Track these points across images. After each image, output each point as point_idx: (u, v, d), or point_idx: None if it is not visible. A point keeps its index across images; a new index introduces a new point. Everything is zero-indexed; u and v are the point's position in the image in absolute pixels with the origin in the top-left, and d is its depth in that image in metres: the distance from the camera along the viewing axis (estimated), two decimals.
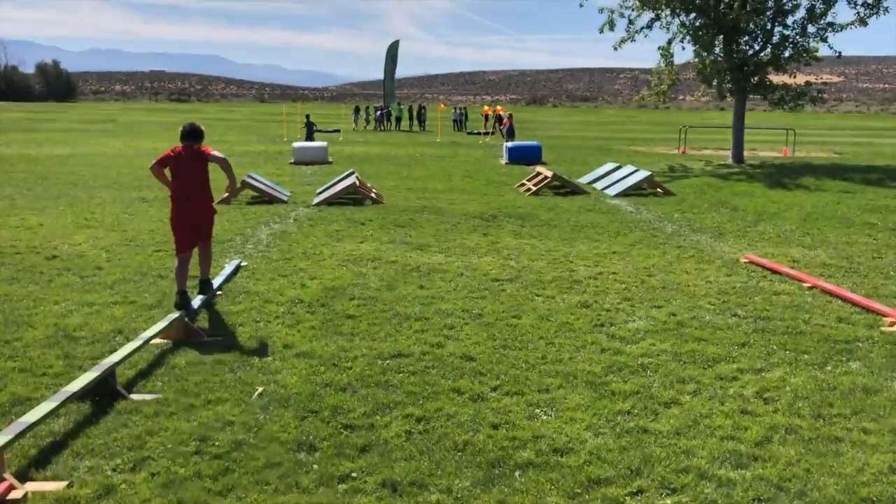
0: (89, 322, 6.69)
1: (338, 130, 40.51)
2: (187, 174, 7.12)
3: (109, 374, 5.08)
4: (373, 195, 14.47)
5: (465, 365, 5.67)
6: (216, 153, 7.34)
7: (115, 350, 5.72)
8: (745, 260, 9.17)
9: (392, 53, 48.03)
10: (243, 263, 9.02)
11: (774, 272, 8.52)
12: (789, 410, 4.82)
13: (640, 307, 7.22)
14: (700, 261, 9.28)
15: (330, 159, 23.49)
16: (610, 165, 18.14)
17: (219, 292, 7.72)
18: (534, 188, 15.70)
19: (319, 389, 5.23)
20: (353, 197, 14.39)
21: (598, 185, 16.70)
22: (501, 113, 41.99)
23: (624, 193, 15.27)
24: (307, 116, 34.68)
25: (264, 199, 14.43)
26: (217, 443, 4.43)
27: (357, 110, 48.22)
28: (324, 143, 24.19)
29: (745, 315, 6.92)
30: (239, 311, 7.13)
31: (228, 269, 8.66)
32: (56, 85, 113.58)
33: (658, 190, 15.65)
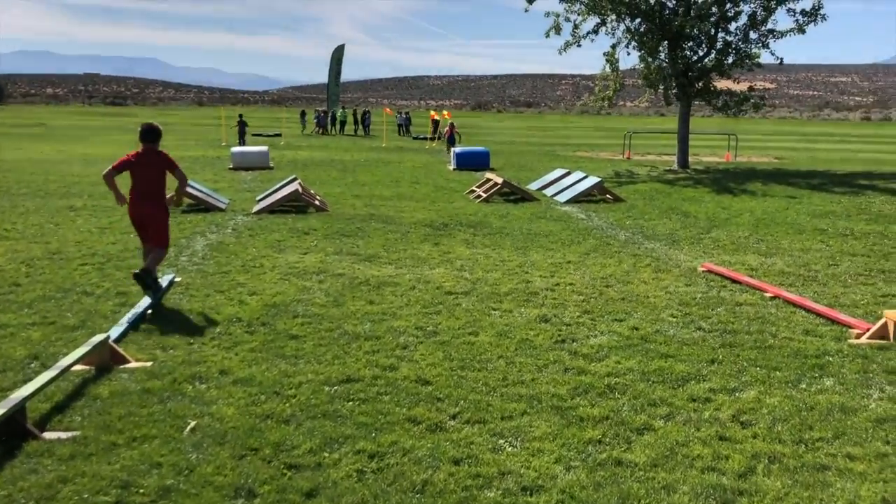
0: (1, 347, 6.03)
1: (279, 134, 39.62)
2: (145, 177, 7.50)
3: (18, 410, 4.48)
4: (317, 202, 13.91)
5: (420, 390, 5.23)
6: (179, 169, 7.77)
7: (30, 379, 5.11)
8: (703, 269, 8.95)
9: (337, 57, 47.33)
10: (177, 279, 8.40)
11: (734, 281, 8.30)
12: (769, 435, 4.51)
13: (601, 321, 6.88)
14: (657, 270, 9.02)
15: (271, 164, 22.79)
16: (559, 171, 17.93)
17: (149, 311, 7.11)
18: (484, 195, 15.36)
19: (259, 422, 4.72)
20: (296, 204, 13.80)
21: (548, 192, 16.46)
22: (448, 118, 41.71)
23: (574, 200, 15.04)
24: (240, 116, 33.84)
25: (200, 206, 13.73)
26: (142, 489, 3.89)
27: (304, 114, 47.37)
28: (264, 148, 23.47)
29: (710, 328, 6.64)
30: (171, 331, 6.54)
31: (161, 284, 8.04)
32: None
33: (608, 196, 15.47)
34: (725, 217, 13.27)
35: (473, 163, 23.10)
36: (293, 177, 16.14)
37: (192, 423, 4.73)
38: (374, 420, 4.73)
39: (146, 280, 7.20)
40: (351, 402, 5.02)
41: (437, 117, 40.99)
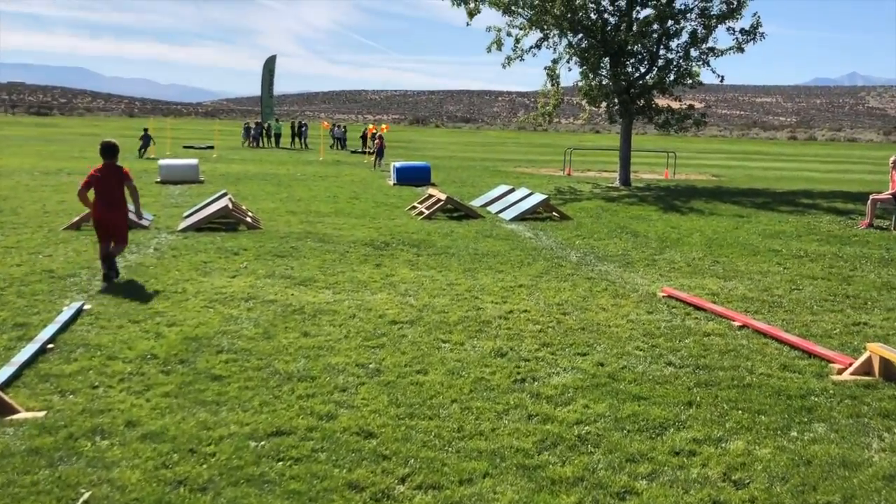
0: None
1: (212, 147, 38.26)
2: (109, 188, 8.75)
3: None
4: (248, 219, 13.00)
5: (363, 445, 4.48)
6: (132, 182, 9.01)
7: None
8: (664, 294, 8.43)
9: (270, 68, 46.17)
10: (86, 306, 7.45)
11: (697, 308, 7.79)
12: (769, 499, 3.91)
13: (563, 355, 6.25)
14: (615, 295, 8.46)
15: (202, 178, 21.68)
16: (503, 188, 17.40)
17: (50, 345, 6.17)
18: (426, 211, 14.67)
19: (170, 491, 3.90)
20: (226, 221, 12.86)
21: (493, 209, 15.88)
22: (386, 131, 40.98)
23: (520, 218, 14.49)
24: (145, 130, 32.45)
25: None
26: None
27: (248, 127, 45.13)
28: (194, 161, 22.33)
29: (681, 363, 6.07)
30: (73, 372, 5.63)
31: (66, 314, 7.08)
32: None
33: (554, 214, 14.98)
34: (676, 237, 12.88)
35: (414, 178, 22.43)
36: (223, 191, 15.17)
37: (86, 495, 3.89)
38: (307, 486, 3.97)
39: (111, 269, 8.57)
40: (281, 463, 4.24)
41: (375, 131, 40.25)
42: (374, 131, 40.15)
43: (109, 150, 8.79)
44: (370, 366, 5.90)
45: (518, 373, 5.78)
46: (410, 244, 11.48)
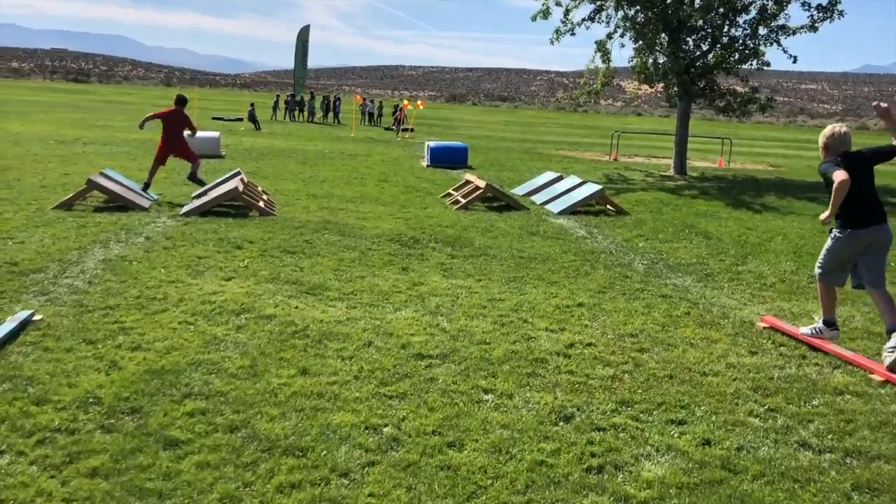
0: None
1: (241, 119, 36.81)
2: (173, 126, 12.73)
3: None
4: (261, 204, 11.42)
5: None
6: (192, 122, 13.05)
7: None
8: (764, 324, 6.65)
9: (303, 39, 44.50)
10: (37, 316, 5.92)
11: (814, 349, 6.02)
12: None
13: (650, 422, 4.55)
14: (702, 323, 6.71)
15: (223, 152, 20.17)
16: (549, 175, 15.56)
17: None
18: (463, 200, 12.97)
19: None
20: (236, 205, 11.31)
21: (537, 199, 14.12)
22: (421, 107, 39.35)
23: (570, 211, 12.71)
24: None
25: (117, 204, 11.17)
26: None
27: (301, 102, 42.59)
28: (215, 134, 20.81)
29: (821, 445, 4.34)
30: None
31: (6, 327, 5.56)
32: None
33: (609, 207, 13.18)
34: (756, 241, 11.01)
35: (450, 159, 20.71)
36: (236, 170, 13.61)
37: None
38: None
39: (201, 183, 12.86)
40: None
41: (409, 107, 38.50)
42: (409, 107, 38.48)
43: (181, 101, 13.03)
44: (385, 430, 4.27)
45: (592, 453, 4.10)
46: (444, 241, 9.81)
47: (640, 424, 4.50)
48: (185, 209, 11.07)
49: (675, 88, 21.25)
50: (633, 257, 9.44)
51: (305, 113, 41.82)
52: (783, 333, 6.40)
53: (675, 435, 4.38)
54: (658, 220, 12.49)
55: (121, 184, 11.84)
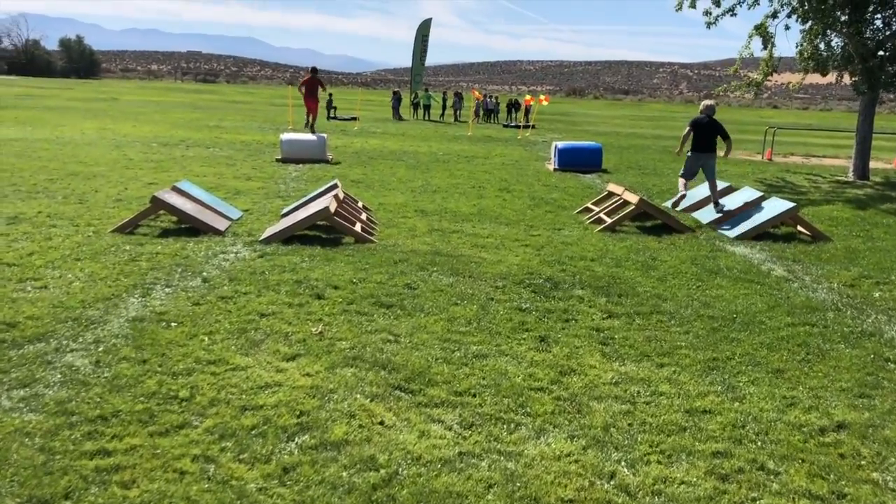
0: None
1: (356, 118, 35.27)
2: (311, 87, 21.21)
3: None
4: (358, 227, 9.19)
5: None
6: (324, 84, 22.18)
7: None
8: None
9: (423, 33, 42.49)
10: None
11: None
12: None
13: None
14: None
15: (329, 155, 18.23)
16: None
17: None
18: (608, 220, 10.28)
19: None
20: (327, 227, 9.14)
21: (701, 216, 11.22)
22: (532, 104, 36.62)
23: (752, 236, 9.77)
24: (330, 95, 36.13)
25: (188, 227, 9.23)
26: None
27: (416, 98, 41.18)
28: (322, 136, 18.92)
29: None
30: None
31: None
32: (79, 61, 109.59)
33: (801, 230, 10.13)
34: None
35: (581, 162, 17.98)
36: (333, 182, 11.46)
37: None
38: None
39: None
40: None
41: (532, 102, 35.82)
42: (532, 103, 35.84)
43: (314, 70, 21.08)
44: None
45: None
46: (594, 286, 7.19)
47: None
48: (265, 234, 8.98)
49: (858, 77, 17.59)
50: (876, 318, 6.50)
51: (421, 111, 39.88)
52: None
53: None
54: (877, 251, 9.33)
55: (196, 200, 9.91)
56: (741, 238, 9.73)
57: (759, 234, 9.82)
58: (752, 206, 10.36)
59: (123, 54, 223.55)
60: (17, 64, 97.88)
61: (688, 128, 11.32)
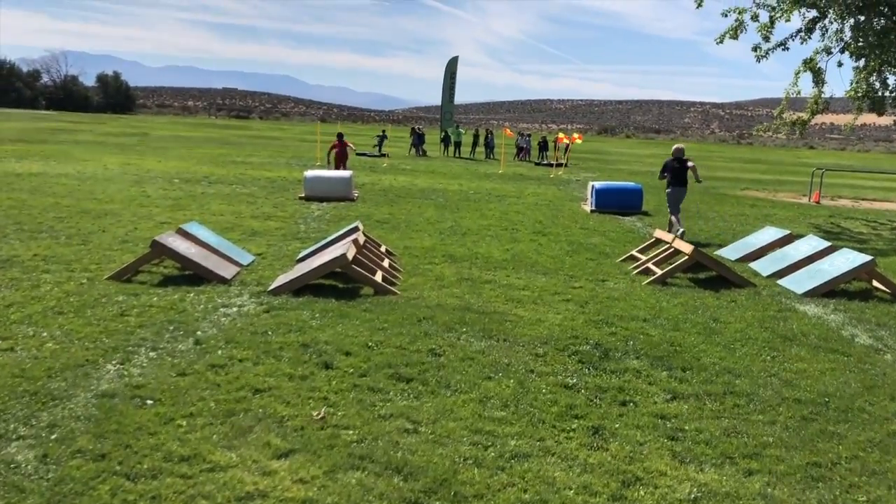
0: None
1: (385, 155, 34.61)
2: (342, 150, 20.75)
3: None
4: (378, 276, 8.22)
5: None
6: (351, 146, 21.74)
7: None
8: None
9: (451, 70, 42.01)
10: None
11: None
12: None
13: None
14: None
15: (355, 193, 17.40)
16: (771, 233, 11.34)
17: None
18: (658, 271, 9.20)
19: None
20: (345, 274, 8.20)
21: (760, 268, 10.08)
22: (579, 140, 35.73)
23: (823, 292, 8.62)
24: (382, 131, 37.86)
25: (192, 274, 8.33)
26: None
27: (446, 137, 40.36)
28: (346, 174, 18.11)
29: None
30: None
31: None
32: (115, 96, 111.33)
33: (878, 286, 8.95)
34: None
35: (620, 204, 16.95)
36: (355, 224, 10.54)
37: None
38: None
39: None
40: None
41: (566, 140, 34.92)
42: (565, 141, 34.99)
43: (340, 136, 21.19)
44: None
45: None
46: (651, 356, 6.11)
47: None
48: (275, 283, 8.04)
49: None
50: None
51: (451, 148, 39.15)
52: None
53: None
54: None
55: (203, 244, 9.03)
56: (810, 295, 8.58)
57: (829, 291, 8.66)
58: (820, 258, 9.22)
59: (161, 90, 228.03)
60: (56, 99, 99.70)
61: (663, 171, 13.67)
